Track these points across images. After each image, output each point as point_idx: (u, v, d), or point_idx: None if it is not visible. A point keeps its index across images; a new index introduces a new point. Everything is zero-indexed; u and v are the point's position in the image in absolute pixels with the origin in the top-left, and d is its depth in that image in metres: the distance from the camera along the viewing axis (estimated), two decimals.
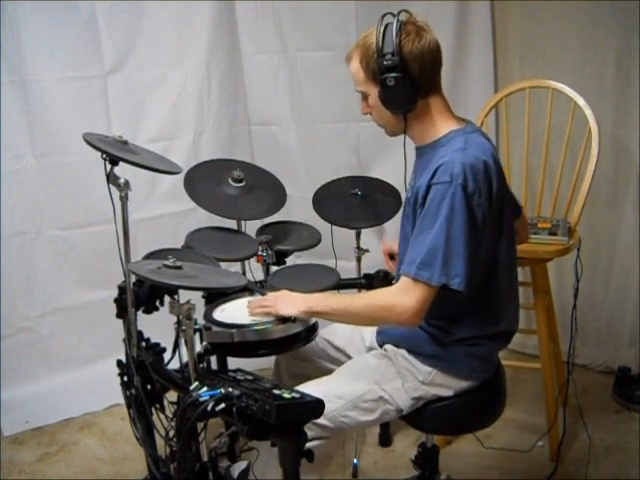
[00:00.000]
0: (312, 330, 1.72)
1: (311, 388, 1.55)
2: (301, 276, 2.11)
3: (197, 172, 2.20)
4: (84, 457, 2.50)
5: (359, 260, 2.34)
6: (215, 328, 1.65)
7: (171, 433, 1.60)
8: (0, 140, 2.66)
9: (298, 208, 2.78)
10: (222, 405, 1.37)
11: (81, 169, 2.75)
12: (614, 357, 2.83)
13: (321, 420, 1.52)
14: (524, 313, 2.48)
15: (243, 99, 3.17)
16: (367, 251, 2.35)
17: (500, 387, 1.75)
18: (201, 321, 1.66)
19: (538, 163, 2.47)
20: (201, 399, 1.38)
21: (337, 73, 2.93)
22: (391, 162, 2.84)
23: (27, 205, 2.77)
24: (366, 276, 2.22)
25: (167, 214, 3.01)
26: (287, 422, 1.35)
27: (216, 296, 1.87)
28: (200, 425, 1.53)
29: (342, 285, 2.11)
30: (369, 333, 1.84)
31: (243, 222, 2.23)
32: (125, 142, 1.78)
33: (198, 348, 1.61)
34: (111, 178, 1.67)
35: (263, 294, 1.82)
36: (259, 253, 2.12)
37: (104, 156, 1.65)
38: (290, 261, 2.26)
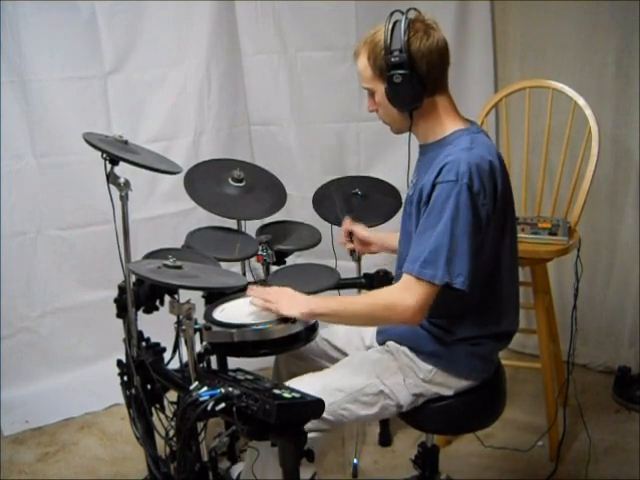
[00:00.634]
0: (312, 330, 1.72)
1: (311, 380, 1.56)
2: (301, 276, 2.11)
3: (197, 172, 2.20)
4: (84, 457, 2.50)
5: (359, 260, 2.34)
6: (215, 328, 1.65)
7: (171, 433, 1.60)
8: (0, 140, 2.66)
9: (298, 208, 2.78)
10: (222, 405, 1.37)
11: (81, 169, 2.75)
12: (614, 357, 2.82)
13: None
14: (524, 313, 2.48)
15: (243, 99, 3.17)
16: None
17: (500, 387, 1.75)
18: (201, 321, 1.66)
19: (538, 163, 2.47)
20: (201, 399, 1.38)
21: (337, 73, 2.94)
22: (391, 162, 2.85)
23: (27, 205, 2.77)
24: (366, 276, 2.22)
25: (167, 214, 3.01)
26: (287, 422, 1.35)
27: (216, 296, 1.87)
28: (200, 425, 1.53)
29: (342, 285, 2.11)
30: (369, 333, 1.84)
31: (243, 222, 2.23)
32: (125, 142, 1.78)
33: (198, 348, 1.61)
34: (111, 178, 1.67)
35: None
36: (259, 253, 2.12)
37: (104, 156, 1.65)
38: (290, 261, 2.26)
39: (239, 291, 1.78)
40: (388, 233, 2.01)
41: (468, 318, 1.62)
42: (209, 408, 1.36)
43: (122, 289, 1.77)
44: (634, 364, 2.75)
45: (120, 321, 1.80)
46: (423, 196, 1.54)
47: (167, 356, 1.74)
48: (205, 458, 1.65)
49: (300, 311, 1.60)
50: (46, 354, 2.89)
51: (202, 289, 1.85)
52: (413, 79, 1.51)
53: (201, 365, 1.61)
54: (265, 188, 2.24)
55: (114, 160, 1.66)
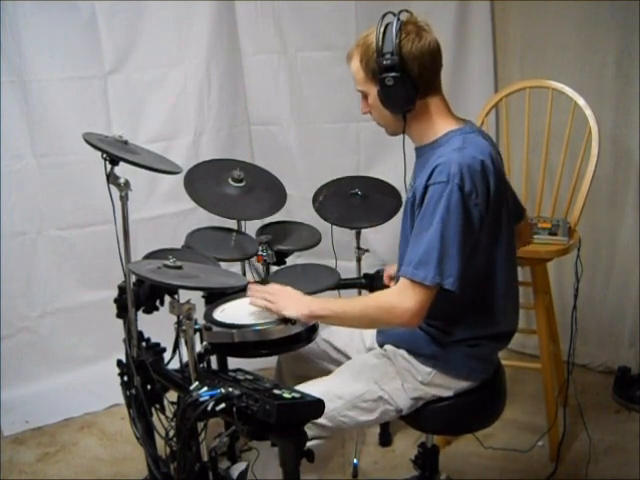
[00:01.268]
0: (313, 330, 1.72)
1: (311, 388, 1.55)
2: (301, 276, 2.11)
3: (197, 172, 2.19)
4: (84, 457, 2.50)
5: (359, 260, 2.34)
6: (215, 328, 1.65)
7: (171, 433, 1.60)
8: (0, 140, 2.66)
9: (298, 208, 2.78)
10: (222, 405, 1.37)
11: (81, 169, 2.75)
12: (614, 357, 2.83)
13: (321, 419, 1.52)
14: (524, 313, 2.48)
15: (243, 99, 3.17)
16: (367, 251, 2.35)
17: (500, 387, 1.75)
18: (201, 321, 1.66)
19: (538, 163, 2.47)
20: (201, 399, 1.38)
21: (337, 73, 2.93)
22: (391, 162, 2.84)
23: (27, 205, 2.77)
24: (366, 276, 2.22)
25: (167, 214, 3.01)
26: (287, 422, 1.35)
27: (216, 296, 1.87)
28: (200, 425, 1.53)
29: (342, 285, 2.11)
30: (369, 334, 1.84)
31: (243, 222, 2.23)
32: (125, 142, 1.78)
33: (198, 348, 1.61)
34: (111, 178, 1.66)
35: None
36: (259, 253, 2.12)
37: (104, 156, 1.65)
38: (290, 261, 2.25)
39: (239, 291, 1.78)
40: None
41: (466, 319, 1.62)
42: (209, 408, 1.36)
43: (122, 289, 1.77)
44: (634, 364, 2.75)
45: (120, 321, 1.80)
46: (417, 198, 1.55)
47: (167, 356, 1.74)
48: (205, 458, 1.64)
49: (300, 312, 1.60)
50: (46, 354, 2.90)
51: (202, 289, 1.84)
52: (405, 81, 1.51)
53: (201, 365, 1.61)
54: (265, 188, 2.23)
55: (114, 160, 1.65)
